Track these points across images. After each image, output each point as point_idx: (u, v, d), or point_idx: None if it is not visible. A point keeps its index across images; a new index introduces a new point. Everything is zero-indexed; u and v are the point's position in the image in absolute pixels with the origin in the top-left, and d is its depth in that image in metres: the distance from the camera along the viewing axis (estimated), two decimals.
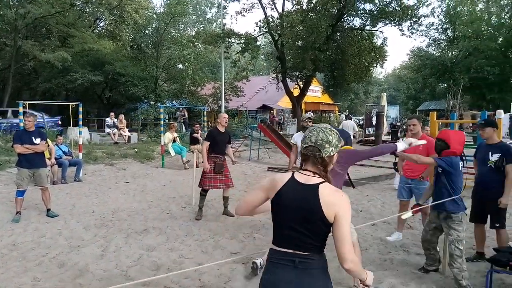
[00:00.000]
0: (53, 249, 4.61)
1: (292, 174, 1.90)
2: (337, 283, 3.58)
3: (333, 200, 1.78)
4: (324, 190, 1.80)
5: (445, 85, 35.44)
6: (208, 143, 5.99)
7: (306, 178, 1.85)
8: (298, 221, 1.80)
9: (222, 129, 6.11)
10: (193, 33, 25.97)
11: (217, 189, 6.20)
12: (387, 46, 20.26)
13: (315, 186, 1.81)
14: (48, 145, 6.21)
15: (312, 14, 17.54)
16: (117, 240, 4.92)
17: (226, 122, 6.17)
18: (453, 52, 35.49)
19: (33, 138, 5.87)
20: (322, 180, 1.84)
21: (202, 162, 6.09)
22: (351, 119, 19.08)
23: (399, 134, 19.75)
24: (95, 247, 4.68)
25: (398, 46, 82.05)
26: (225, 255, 4.44)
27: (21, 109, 8.89)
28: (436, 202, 3.57)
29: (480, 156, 4.29)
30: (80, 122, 10.16)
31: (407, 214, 4.04)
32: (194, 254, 4.53)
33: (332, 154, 1.89)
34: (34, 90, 26.58)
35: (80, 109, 9.98)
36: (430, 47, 38.16)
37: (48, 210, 6.09)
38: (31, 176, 5.90)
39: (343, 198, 1.81)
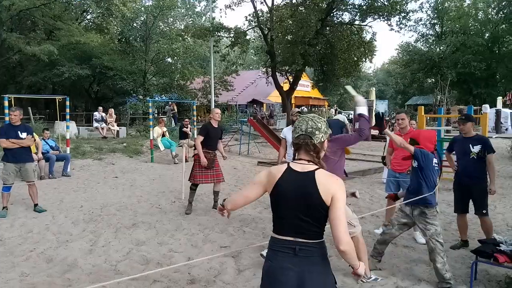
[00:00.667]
0: (41, 244, 4.56)
1: (288, 165, 1.95)
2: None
3: (329, 184, 1.85)
4: (320, 176, 1.87)
5: (433, 80, 35.87)
6: (202, 137, 5.97)
7: (301, 166, 1.91)
8: (299, 208, 1.86)
9: (215, 124, 6.11)
10: (182, 27, 25.71)
11: (207, 184, 6.21)
12: (376, 41, 20.39)
13: (312, 173, 1.87)
14: (35, 140, 6.12)
15: (302, 9, 17.54)
16: (106, 235, 4.90)
17: (219, 117, 6.18)
18: (441, 47, 35.89)
19: (19, 132, 5.80)
20: (317, 166, 1.91)
21: (193, 156, 6.06)
22: (341, 114, 19.18)
23: (387, 129, 19.93)
24: (84, 242, 4.65)
25: (387, 41, 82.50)
26: (215, 249, 4.45)
27: (6, 103, 8.74)
28: (415, 198, 3.58)
29: (460, 149, 4.56)
30: (67, 117, 10.04)
31: (358, 194, 4.31)
32: (184, 248, 4.53)
33: (322, 140, 1.96)
34: (20, 84, 26.09)
35: (67, 103, 9.85)
36: (419, 42, 38.57)
37: (36, 205, 6.02)
38: (17, 170, 5.83)
39: (338, 181, 1.88)
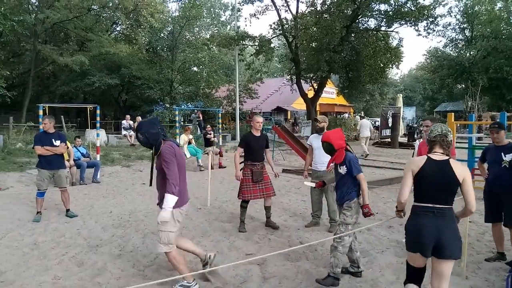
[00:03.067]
0: (72, 248, 4.71)
1: (427, 156, 2.78)
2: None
3: (460, 168, 2.73)
4: (453, 163, 2.74)
5: (463, 85, 34.84)
6: (242, 149, 5.52)
7: (439, 156, 2.77)
8: (439, 184, 2.70)
9: (257, 133, 5.49)
10: (208, 36, 26.16)
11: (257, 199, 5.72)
12: (402, 46, 20.04)
13: (447, 161, 2.74)
14: (68, 147, 6.35)
15: (326, 16, 17.48)
16: (134, 240, 5.00)
17: (260, 126, 5.52)
18: (471, 52, 34.85)
19: (53, 140, 6.02)
20: (448, 157, 2.76)
21: (241, 169, 5.54)
22: (364, 119, 18.97)
23: (415, 136, 19.48)
24: (113, 246, 4.76)
25: (414, 47, 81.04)
26: (241, 256, 4.46)
27: (41, 112, 9.12)
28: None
29: (492, 158, 4.43)
30: (98, 125, 10.35)
31: (311, 183, 4.57)
32: None
33: (451, 140, 2.81)
34: (53, 93, 27.21)
35: (98, 111, 10.17)
36: (447, 47, 37.58)
37: (68, 210, 6.22)
38: (51, 177, 6.04)
39: (465, 167, 2.81)
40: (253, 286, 3.72)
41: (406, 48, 72.17)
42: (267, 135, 5.82)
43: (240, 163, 5.60)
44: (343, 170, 3.81)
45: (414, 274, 2.90)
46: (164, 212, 3.44)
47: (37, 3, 23.21)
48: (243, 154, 5.62)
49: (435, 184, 2.69)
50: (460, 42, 37.03)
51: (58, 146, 6.04)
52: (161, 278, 3.77)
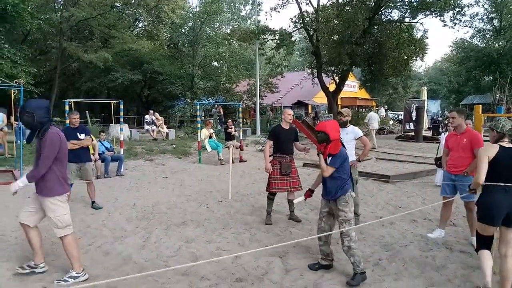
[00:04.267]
0: (98, 238, 4.84)
1: (499, 145, 3.28)
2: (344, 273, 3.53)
3: None
4: None
5: (491, 77, 33.64)
6: (271, 142, 5.56)
7: (510, 144, 3.31)
8: (510, 168, 3.23)
9: (286, 126, 5.54)
10: (228, 31, 26.19)
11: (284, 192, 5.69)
12: (427, 38, 19.48)
13: None
14: (92, 140, 6.51)
15: (348, 8, 17.16)
16: (157, 232, 5.09)
17: (290, 119, 5.58)
18: (500, 43, 33.60)
19: (78, 134, 6.20)
20: None
21: (271, 162, 5.56)
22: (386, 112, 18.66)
23: (440, 129, 18.99)
24: (137, 238, 4.86)
25: (440, 38, 78.72)
26: (261, 248, 4.46)
27: (67, 107, 9.37)
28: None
29: None
30: (121, 119, 10.55)
31: (300, 199, 4.27)
32: (231, 246, 4.60)
33: None
34: (78, 89, 27.90)
35: (121, 106, 10.36)
36: (475, 38, 36.34)
37: (93, 202, 6.39)
38: (78, 170, 6.21)
39: None
40: (275, 278, 3.73)
41: (431, 40, 70.31)
42: (296, 128, 5.80)
43: (270, 155, 5.62)
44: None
45: (485, 242, 3.35)
46: (13, 185, 3.74)
47: (62, 1, 23.80)
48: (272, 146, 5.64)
49: (507, 167, 3.23)
50: (488, 32, 35.73)
51: (83, 139, 6.21)
52: (184, 268, 3.84)
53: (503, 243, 3.31)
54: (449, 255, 4.25)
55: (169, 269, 3.71)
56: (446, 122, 15.05)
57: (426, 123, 20.71)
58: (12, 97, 9.40)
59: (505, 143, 3.32)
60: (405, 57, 19.03)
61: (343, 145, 3.84)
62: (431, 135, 18.73)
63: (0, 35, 16.26)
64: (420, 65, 57.17)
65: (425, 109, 20.57)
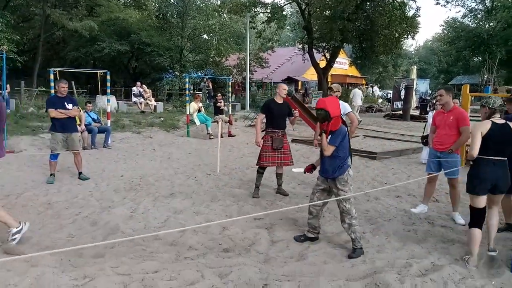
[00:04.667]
0: (85, 208, 4.83)
1: (491, 121, 3.47)
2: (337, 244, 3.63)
3: None
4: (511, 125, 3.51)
5: (480, 58, 33.88)
6: (263, 115, 5.50)
7: (501, 121, 3.51)
8: (503, 143, 3.45)
9: (280, 101, 5.48)
10: (218, 2, 25.57)
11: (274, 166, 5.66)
12: (419, 16, 19.40)
13: (507, 124, 3.48)
14: (80, 111, 6.38)
15: None
16: (145, 203, 5.10)
17: (285, 94, 5.52)
18: (491, 24, 33.64)
19: (65, 103, 6.05)
20: (505, 121, 3.52)
21: (262, 138, 5.57)
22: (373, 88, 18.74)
23: (428, 109, 19.18)
24: (125, 208, 4.87)
25: (432, 17, 78.32)
26: (249, 220, 4.54)
27: (51, 76, 9.12)
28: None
29: None
30: (108, 90, 10.34)
31: (298, 169, 4.20)
32: (219, 218, 4.65)
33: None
34: (63, 59, 27.13)
35: (108, 77, 10.14)
36: (466, 17, 36.27)
37: (80, 173, 6.34)
38: (64, 140, 6.11)
39: None
40: (261, 248, 3.80)
41: (423, 18, 69.90)
42: (288, 103, 5.77)
43: (262, 131, 5.59)
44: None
45: (477, 218, 3.54)
46: None
47: None
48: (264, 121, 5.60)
49: (499, 142, 3.44)
50: (480, 12, 35.67)
51: (71, 109, 6.08)
52: (172, 239, 3.89)
53: (490, 203, 3.65)
54: (431, 229, 4.38)
55: (157, 233, 3.75)
56: (434, 102, 15.17)
57: (414, 102, 20.86)
58: None
59: (497, 119, 3.50)
60: (397, 35, 18.98)
61: (344, 123, 3.79)
62: (418, 114, 18.92)
63: None
64: (411, 44, 57.30)
65: (414, 88, 20.66)
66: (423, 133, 8.68)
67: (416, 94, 23.03)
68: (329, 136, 3.70)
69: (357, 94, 16.68)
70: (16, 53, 17.85)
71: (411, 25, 18.68)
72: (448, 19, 37.95)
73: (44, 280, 2.89)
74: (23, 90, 15.03)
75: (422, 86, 30.34)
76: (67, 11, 22.50)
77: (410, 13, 19.71)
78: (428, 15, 50.08)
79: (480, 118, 3.76)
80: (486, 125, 3.47)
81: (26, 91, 15.64)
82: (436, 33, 53.92)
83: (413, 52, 58.19)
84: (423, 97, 24.88)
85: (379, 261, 3.48)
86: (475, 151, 3.47)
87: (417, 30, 19.33)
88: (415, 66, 24.46)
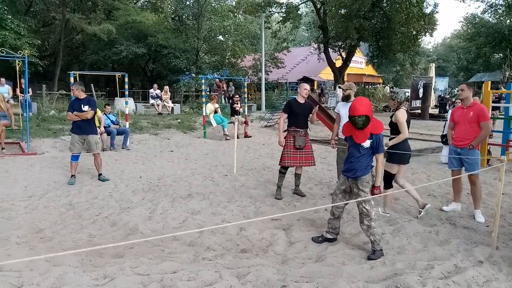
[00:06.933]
0: (105, 209, 4.91)
1: None
2: (351, 245, 3.57)
3: None
4: None
5: (501, 55, 32.95)
6: (286, 115, 5.50)
7: None
8: None
9: (301, 100, 5.46)
10: (233, 3, 25.65)
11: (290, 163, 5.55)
12: (437, 13, 19.07)
13: None
14: (95, 113, 6.45)
15: None
16: (163, 204, 5.15)
17: (306, 94, 5.49)
18: None
19: (82, 105, 6.14)
20: None
21: (285, 137, 5.57)
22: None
23: (447, 107, 18.80)
24: (143, 209, 4.93)
25: (450, 13, 76.68)
26: (266, 221, 4.52)
27: (72, 80, 9.32)
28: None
29: None
30: (126, 93, 10.51)
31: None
32: (237, 219, 4.66)
33: None
34: (83, 62, 27.70)
35: (126, 79, 10.30)
36: (486, 13, 35.33)
37: (100, 174, 6.45)
38: (82, 142, 6.22)
39: None
40: (279, 249, 3.78)
41: (441, 15, 68.61)
42: (311, 103, 5.76)
43: (284, 131, 5.61)
44: (367, 143, 3.62)
45: (391, 180, 4.42)
46: None
47: None
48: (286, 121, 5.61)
49: None
50: (500, 7, 34.70)
51: (86, 111, 6.14)
52: (189, 240, 3.91)
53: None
54: (453, 230, 4.28)
55: (175, 234, 3.77)
56: (454, 100, 14.84)
57: (433, 100, 20.48)
58: (17, 69, 9.36)
59: None
60: (414, 33, 18.67)
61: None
62: (437, 112, 18.57)
63: (3, 6, 16.01)
64: (428, 41, 56.16)
65: (433, 87, 20.28)
66: (443, 132, 8.50)
67: (434, 92, 22.61)
68: (370, 141, 3.59)
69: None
70: (37, 57, 18.29)
71: (429, 22, 18.35)
72: (467, 15, 37.17)
73: (65, 280, 2.94)
74: (44, 93, 15.39)
75: (441, 84, 29.75)
76: (85, 15, 23.00)
77: (428, 9, 19.37)
78: (446, 11, 49.19)
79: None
80: None
81: (48, 95, 16.01)
82: (455, 30, 52.76)
83: (431, 50, 57.09)
84: (442, 95, 24.39)
85: (399, 263, 3.41)
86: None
87: (435, 27, 18.98)
88: (434, 64, 24.04)
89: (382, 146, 3.63)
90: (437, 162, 8.17)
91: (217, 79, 20.93)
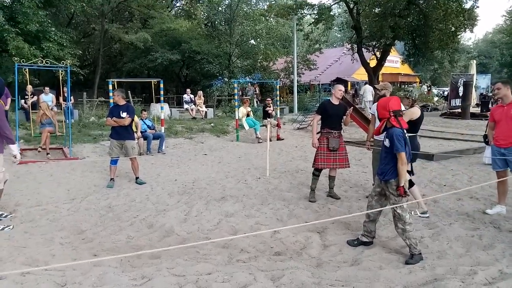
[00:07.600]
0: (142, 211, 5.06)
1: None
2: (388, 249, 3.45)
3: None
4: None
5: None
6: (319, 116, 5.47)
7: None
8: None
9: (336, 102, 5.42)
10: (265, 7, 25.75)
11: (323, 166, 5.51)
12: (478, 7, 18.27)
13: None
14: (132, 120, 6.68)
15: None
16: (198, 206, 5.24)
17: (340, 95, 5.46)
18: None
19: (120, 112, 6.38)
20: None
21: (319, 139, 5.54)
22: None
23: (490, 106, 17.90)
24: (179, 211, 5.03)
25: (492, 7, 73.13)
26: (300, 224, 4.48)
27: (110, 87, 9.70)
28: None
29: None
30: (161, 98, 10.80)
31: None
32: (270, 221, 4.65)
33: None
34: (120, 70, 28.77)
35: (161, 85, 10.59)
36: None
37: (137, 178, 6.65)
38: (120, 146, 6.45)
39: None
40: (313, 252, 3.74)
41: (482, 9, 65.60)
42: (345, 104, 5.72)
43: (318, 132, 5.58)
44: (387, 142, 3.60)
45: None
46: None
47: None
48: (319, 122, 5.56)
49: None
50: None
51: (124, 118, 6.37)
52: (224, 241, 3.94)
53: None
54: (497, 234, 4.06)
55: (210, 241, 3.81)
56: (496, 98, 14.10)
57: (474, 99, 19.57)
58: (60, 78, 9.86)
59: None
60: (453, 29, 17.93)
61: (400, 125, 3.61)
62: (479, 111, 17.72)
63: (47, 19, 16.92)
64: (469, 38, 53.92)
65: (474, 84, 19.37)
66: (486, 131, 8.10)
67: (476, 90, 21.61)
68: (388, 141, 3.57)
69: (368, 90, 16.92)
70: (78, 66, 19.16)
71: (468, 18, 17.57)
72: (510, 9, 35.25)
73: (106, 279, 3.05)
74: (85, 101, 16.10)
75: (482, 82, 28.39)
76: (123, 25, 23.89)
77: (468, 4, 18.56)
78: (487, 5, 46.84)
79: None
80: None
81: (88, 102, 16.74)
82: (497, 25, 50.30)
83: (471, 46, 54.70)
84: (484, 93, 23.28)
85: (439, 268, 3.28)
86: None
87: (476, 23, 18.15)
88: (475, 61, 22.94)
89: (397, 145, 3.45)
90: (480, 163, 7.80)
91: (254, 83, 21.04)
